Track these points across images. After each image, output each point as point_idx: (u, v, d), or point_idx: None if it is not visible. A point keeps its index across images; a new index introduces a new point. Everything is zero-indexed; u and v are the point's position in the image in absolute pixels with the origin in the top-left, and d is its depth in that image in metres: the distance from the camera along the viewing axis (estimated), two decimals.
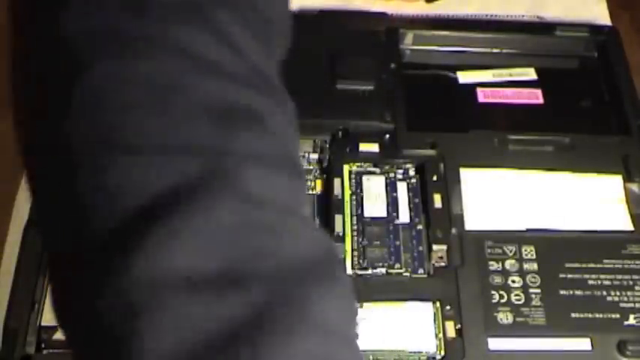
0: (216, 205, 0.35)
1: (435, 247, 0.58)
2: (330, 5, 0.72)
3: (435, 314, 0.56)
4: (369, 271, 0.58)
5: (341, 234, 0.59)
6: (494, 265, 0.58)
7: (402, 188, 0.62)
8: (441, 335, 0.55)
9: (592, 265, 0.58)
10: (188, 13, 0.38)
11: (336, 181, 0.62)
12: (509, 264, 0.58)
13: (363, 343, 0.55)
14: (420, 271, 0.58)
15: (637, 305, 0.56)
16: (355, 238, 0.59)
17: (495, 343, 0.55)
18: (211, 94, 0.37)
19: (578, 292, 0.57)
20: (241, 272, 0.34)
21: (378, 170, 0.63)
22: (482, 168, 0.62)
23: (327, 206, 0.61)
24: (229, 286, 0.34)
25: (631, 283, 0.57)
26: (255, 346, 0.33)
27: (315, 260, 0.36)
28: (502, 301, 0.56)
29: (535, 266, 0.58)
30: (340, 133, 0.64)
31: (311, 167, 0.64)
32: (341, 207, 0.60)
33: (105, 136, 0.36)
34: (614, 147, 0.64)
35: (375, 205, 0.61)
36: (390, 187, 0.62)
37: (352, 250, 0.59)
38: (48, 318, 0.55)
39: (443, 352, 0.55)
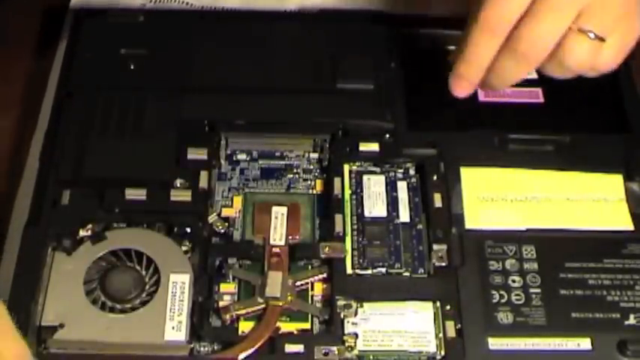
0: None
1: (435, 246, 0.58)
2: (330, 5, 0.72)
3: (435, 314, 0.56)
4: (369, 271, 0.58)
5: (341, 234, 0.59)
6: (494, 265, 0.58)
7: (402, 188, 0.62)
8: (441, 335, 0.55)
9: (592, 265, 0.58)
10: None
11: (336, 181, 0.62)
12: (510, 264, 0.58)
13: (363, 343, 0.55)
14: (420, 271, 0.58)
15: (637, 305, 0.56)
16: (355, 237, 0.59)
17: (495, 343, 0.55)
18: None
19: (578, 292, 0.57)
20: None
21: (378, 170, 0.63)
22: (483, 167, 0.62)
23: (327, 206, 0.61)
24: None
25: (631, 282, 0.57)
26: None
27: None
28: (502, 301, 0.56)
29: (535, 266, 0.58)
30: (340, 132, 0.64)
31: (311, 167, 0.64)
32: (341, 207, 0.60)
33: None
34: (614, 146, 0.64)
35: (375, 205, 0.61)
36: (390, 187, 0.62)
37: (352, 250, 0.59)
38: (48, 318, 0.55)
39: (443, 352, 0.55)
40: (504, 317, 0.56)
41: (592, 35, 0.55)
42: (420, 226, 0.60)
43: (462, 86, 0.59)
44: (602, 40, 0.56)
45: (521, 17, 0.55)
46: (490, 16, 0.56)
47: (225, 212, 0.61)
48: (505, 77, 0.58)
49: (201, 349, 0.55)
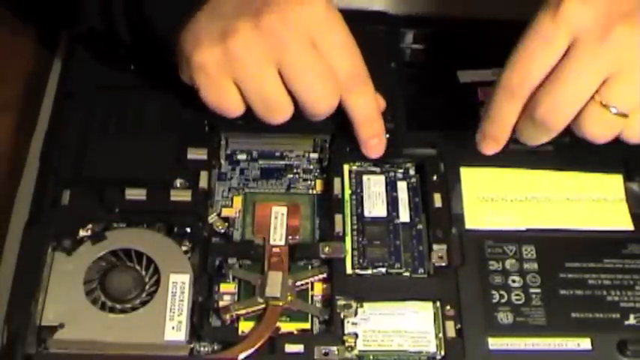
0: None
1: (435, 246, 0.58)
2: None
3: (435, 314, 0.56)
4: (369, 271, 0.58)
5: (341, 234, 0.59)
6: (494, 265, 0.58)
7: (402, 188, 0.62)
8: (441, 335, 0.55)
9: (592, 265, 0.58)
10: None
11: (336, 181, 0.62)
12: (509, 264, 0.58)
13: (363, 343, 0.55)
14: (420, 271, 0.58)
15: (637, 305, 0.56)
16: (355, 237, 0.59)
17: (495, 343, 0.55)
18: None
19: (578, 292, 0.57)
20: None
21: (378, 170, 0.63)
22: (483, 167, 0.62)
23: (327, 206, 0.61)
24: None
25: (631, 282, 0.57)
26: None
27: None
28: (502, 301, 0.56)
29: (535, 266, 0.58)
30: (340, 132, 0.64)
31: (311, 167, 0.64)
32: (341, 207, 0.60)
33: None
34: (614, 146, 0.64)
35: (375, 205, 0.61)
36: (390, 187, 0.62)
37: (352, 250, 0.59)
38: (48, 318, 0.55)
39: (443, 352, 0.55)
40: (504, 317, 0.56)
41: (614, 110, 0.54)
42: (420, 226, 0.60)
43: (488, 145, 0.59)
44: (625, 116, 0.54)
45: (543, 81, 0.55)
46: (511, 78, 0.56)
47: (225, 212, 0.61)
48: (528, 139, 0.57)
49: (201, 349, 0.55)
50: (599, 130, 0.55)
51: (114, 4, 0.61)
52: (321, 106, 0.59)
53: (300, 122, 0.63)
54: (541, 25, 0.55)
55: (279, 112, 0.59)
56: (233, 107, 0.59)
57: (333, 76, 0.58)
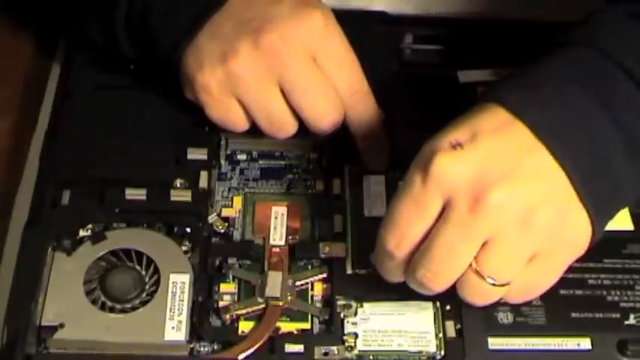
0: None
1: None
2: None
3: (435, 314, 0.56)
4: (369, 271, 0.58)
5: (341, 234, 0.59)
6: None
7: (402, 188, 0.62)
8: (441, 335, 0.55)
9: (592, 265, 0.58)
10: None
11: (336, 181, 0.62)
12: None
13: (363, 343, 0.55)
14: None
15: (637, 305, 0.56)
16: (355, 237, 0.59)
17: (495, 343, 0.55)
18: None
19: (578, 292, 0.57)
20: None
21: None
22: None
23: (327, 206, 0.61)
24: None
25: (631, 282, 0.57)
26: None
27: None
28: (502, 300, 0.56)
29: None
30: (340, 132, 0.64)
31: (311, 167, 0.64)
32: (341, 207, 0.60)
33: None
34: None
35: (375, 205, 0.61)
36: (390, 187, 0.62)
37: (352, 250, 0.58)
38: (48, 318, 0.54)
39: (443, 352, 0.55)
40: (504, 317, 0.56)
41: (491, 281, 0.50)
42: None
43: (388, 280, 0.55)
44: (503, 285, 0.51)
45: (423, 239, 0.50)
46: (387, 240, 0.51)
47: (225, 212, 0.61)
48: (418, 291, 0.53)
49: (201, 349, 0.55)
50: (476, 299, 0.52)
51: (116, 18, 0.61)
52: (324, 121, 0.60)
53: (300, 122, 0.64)
54: (412, 186, 0.51)
55: (284, 128, 0.60)
56: (238, 124, 0.60)
57: (335, 91, 0.59)
